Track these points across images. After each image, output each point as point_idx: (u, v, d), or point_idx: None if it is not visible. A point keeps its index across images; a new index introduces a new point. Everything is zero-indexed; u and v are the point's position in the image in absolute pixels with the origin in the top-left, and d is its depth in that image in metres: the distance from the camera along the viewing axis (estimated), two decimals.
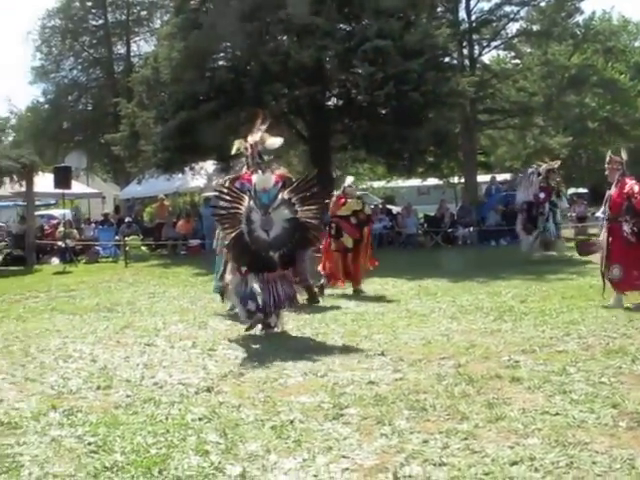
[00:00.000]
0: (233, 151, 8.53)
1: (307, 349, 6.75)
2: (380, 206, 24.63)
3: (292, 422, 4.53)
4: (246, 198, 7.57)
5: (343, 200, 11.22)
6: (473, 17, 27.80)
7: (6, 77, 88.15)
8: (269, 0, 20.01)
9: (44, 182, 20.61)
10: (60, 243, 20.51)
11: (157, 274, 15.66)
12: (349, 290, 11.18)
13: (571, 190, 37.15)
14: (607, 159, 9.14)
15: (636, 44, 45.57)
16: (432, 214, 23.62)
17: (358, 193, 12.50)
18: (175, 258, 20.40)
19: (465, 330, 7.49)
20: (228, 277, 8.08)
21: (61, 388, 5.62)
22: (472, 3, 27.76)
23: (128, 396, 5.31)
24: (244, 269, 7.69)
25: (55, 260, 20.17)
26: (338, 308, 9.44)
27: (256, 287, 7.50)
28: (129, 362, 6.53)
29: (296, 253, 7.98)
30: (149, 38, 39.28)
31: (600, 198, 10.48)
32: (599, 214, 10.72)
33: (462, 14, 27.62)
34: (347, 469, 3.77)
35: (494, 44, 29.73)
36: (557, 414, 4.50)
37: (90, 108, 40.56)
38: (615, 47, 38.32)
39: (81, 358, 6.79)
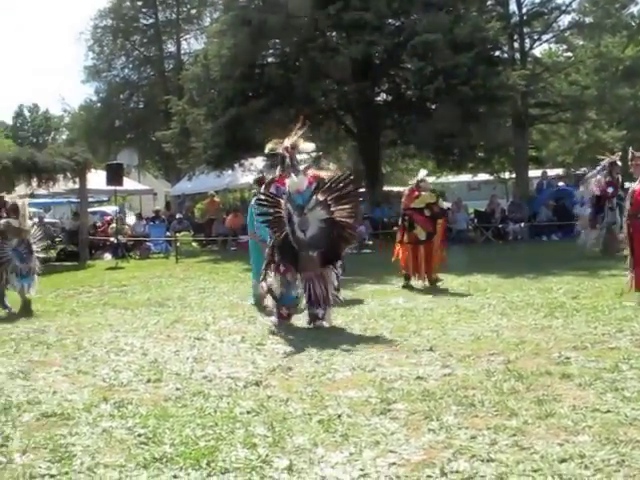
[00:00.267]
0: (266, 151, 8.62)
1: (355, 344, 6.73)
2: None
3: (339, 416, 4.53)
4: (282, 202, 7.81)
5: (417, 193, 11.26)
6: (524, 10, 27.26)
7: (60, 77, 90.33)
8: None
9: (97, 179, 20.93)
10: (112, 239, 20.85)
11: (207, 270, 15.80)
12: (418, 283, 11.22)
13: (627, 185, 36.34)
14: (630, 155, 8.98)
15: None
16: (483, 209, 23.39)
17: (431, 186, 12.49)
18: (225, 254, 20.48)
19: (515, 326, 7.39)
20: (269, 280, 8.11)
21: (112, 381, 5.71)
22: None
23: (178, 389, 5.37)
24: (283, 268, 7.88)
25: (107, 256, 20.55)
26: (387, 304, 9.41)
27: (294, 284, 7.86)
28: (179, 356, 6.60)
29: (334, 252, 8.05)
30: (199, 36, 39.78)
31: None
32: None
33: (513, 7, 27.11)
34: (394, 464, 3.74)
35: (545, 37, 29.12)
36: (608, 411, 4.41)
37: (141, 106, 41.14)
38: None
39: (132, 351, 6.89)
